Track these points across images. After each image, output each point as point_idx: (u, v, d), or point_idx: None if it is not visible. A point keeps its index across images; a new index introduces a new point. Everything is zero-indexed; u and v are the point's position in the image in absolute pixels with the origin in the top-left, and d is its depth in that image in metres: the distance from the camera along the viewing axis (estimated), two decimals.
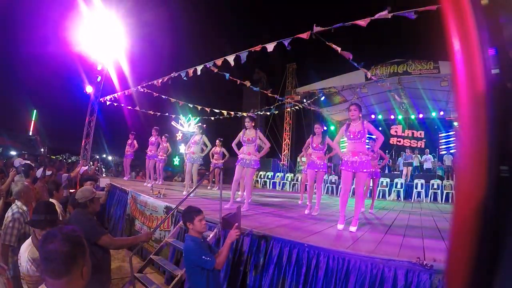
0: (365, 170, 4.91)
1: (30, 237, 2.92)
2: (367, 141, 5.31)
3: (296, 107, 17.19)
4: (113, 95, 13.90)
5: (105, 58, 15.04)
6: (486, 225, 0.77)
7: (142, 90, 11.89)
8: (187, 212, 3.51)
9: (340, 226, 4.95)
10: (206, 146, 9.07)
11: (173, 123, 21.10)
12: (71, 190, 7.54)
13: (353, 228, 4.83)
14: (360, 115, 5.18)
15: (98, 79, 15.42)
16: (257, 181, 16.35)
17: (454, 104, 0.84)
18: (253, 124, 6.79)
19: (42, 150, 35.86)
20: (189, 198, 5.70)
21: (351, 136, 5.06)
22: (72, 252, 1.53)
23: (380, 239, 4.41)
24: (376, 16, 5.40)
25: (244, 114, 15.07)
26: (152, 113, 14.69)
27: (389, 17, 5.33)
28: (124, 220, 7.88)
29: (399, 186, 13.03)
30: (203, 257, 3.18)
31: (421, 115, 18.88)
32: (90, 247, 2.69)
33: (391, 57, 15.44)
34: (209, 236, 4.52)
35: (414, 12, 5.10)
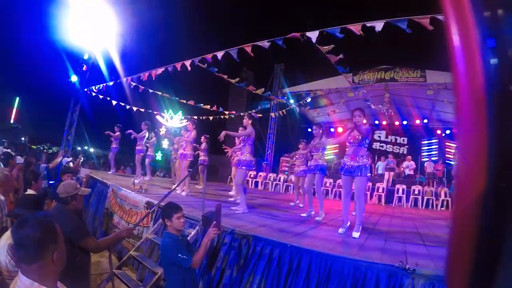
0: (361, 174, 4.86)
1: (10, 229, 2.81)
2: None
3: (283, 109, 17.18)
4: (98, 86, 13.59)
5: (91, 47, 14.70)
6: (486, 226, 0.77)
7: (128, 82, 11.69)
8: (166, 209, 3.44)
9: (341, 230, 4.89)
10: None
11: (158, 117, 20.88)
12: (50, 182, 7.37)
13: (356, 234, 4.76)
14: (365, 121, 5.10)
15: (84, 69, 15.04)
16: None
17: (453, 103, 0.83)
18: (249, 122, 6.61)
19: (23, 139, 35.07)
20: (174, 194, 5.61)
21: (351, 140, 5.02)
22: (43, 238, 1.53)
23: (363, 242, 4.44)
24: (369, 24, 5.42)
25: (226, 112, 15.02)
26: (135, 109, 14.43)
27: (380, 29, 5.34)
28: (103, 214, 7.73)
29: (380, 190, 13.16)
30: (180, 255, 3.13)
31: (405, 122, 19.13)
32: (70, 249, 2.60)
33: (379, 63, 15.59)
34: (190, 233, 4.47)
35: (407, 21, 5.12)
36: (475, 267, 0.78)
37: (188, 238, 4.18)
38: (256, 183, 15.74)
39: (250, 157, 6.55)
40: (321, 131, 6.89)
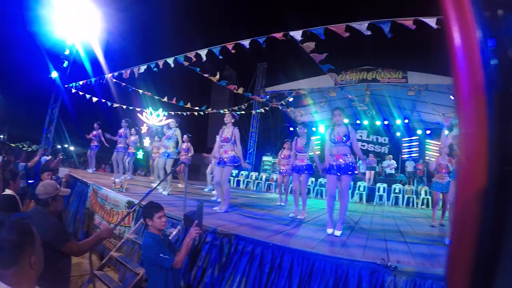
0: (349, 173, 4.91)
1: None
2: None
3: (265, 108, 17.18)
4: (79, 82, 13.28)
5: (73, 43, 14.38)
6: (486, 224, 0.77)
7: (110, 80, 11.45)
8: (147, 208, 3.38)
9: (329, 231, 4.86)
10: (179, 141, 8.85)
11: (139, 115, 20.63)
12: (29, 181, 7.17)
13: (338, 233, 4.77)
14: (345, 120, 5.18)
15: (65, 65, 14.70)
16: None
17: (454, 102, 0.83)
18: (232, 120, 6.54)
19: (1, 136, 34.15)
20: (155, 194, 5.52)
21: (336, 140, 5.05)
22: (20, 241, 1.45)
23: (345, 240, 4.45)
24: (354, 25, 5.44)
25: (209, 110, 14.91)
26: (117, 105, 14.16)
27: (365, 30, 5.37)
28: (84, 214, 7.57)
29: (362, 189, 13.30)
30: (161, 255, 3.08)
31: (386, 122, 19.39)
32: (52, 253, 2.51)
33: (361, 64, 15.80)
34: (172, 233, 4.40)
35: (391, 23, 5.16)
36: (476, 266, 0.79)
37: (170, 237, 4.12)
38: (238, 182, 15.72)
39: (235, 154, 6.46)
40: (305, 130, 6.90)
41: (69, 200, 8.28)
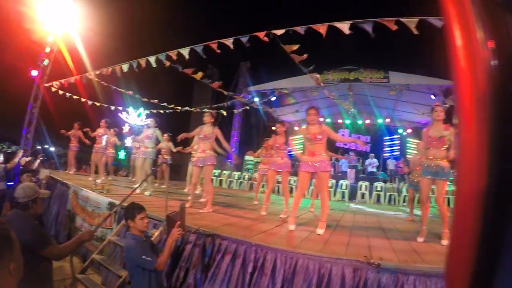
0: (323, 170, 4.96)
1: None
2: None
3: (247, 107, 17.15)
4: (60, 80, 12.95)
5: (54, 40, 14.04)
6: (486, 223, 0.77)
7: (92, 78, 11.23)
8: (129, 209, 3.34)
9: (291, 227, 4.92)
10: (159, 141, 8.76)
11: (120, 114, 20.34)
12: (8, 183, 6.98)
13: (320, 231, 4.79)
14: (320, 118, 5.24)
15: (45, 63, 14.31)
16: None
17: (454, 102, 0.84)
18: (212, 120, 6.55)
19: None
20: (137, 194, 5.44)
21: (311, 138, 5.09)
22: None
23: (327, 238, 4.47)
24: (336, 25, 5.47)
25: (190, 108, 14.81)
26: (99, 104, 13.91)
27: (347, 31, 5.41)
28: (65, 216, 7.40)
29: (344, 187, 13.41)
30: (144, 257, 3.03)
31: (367, 121, 19.60)
32: (32, 258, 2.43)
33: (343, 64, 15.94)
34: (154, 234, 4.34)
35: (373, 23, 5.20)
36: (476, 266, 0.79)
37: (152, 238, 4.07)
38: (221, 182, 15.67)
39: (212, 153, 6.48)
40: (284, 129, 6.92)
41: (49, 203, 8.09)
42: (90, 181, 9.16)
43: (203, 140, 6.45)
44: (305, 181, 5.13)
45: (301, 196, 5.18)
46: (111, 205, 5.81)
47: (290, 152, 7.10)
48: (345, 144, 20.04)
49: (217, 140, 6.62)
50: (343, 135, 20.28)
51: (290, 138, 6.92)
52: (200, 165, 6.39)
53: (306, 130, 5.22)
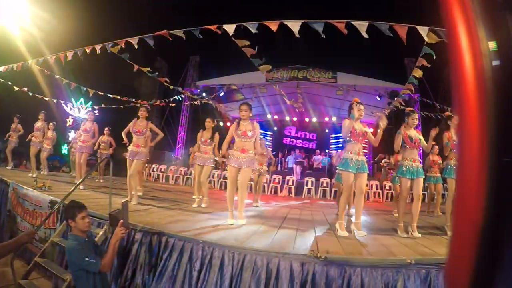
0: (247, 166, 5.10)
1: None
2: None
3: (195, 102, 16.92)
4: None
5: None
6: (488, 224, 0.77)
7: (34, 66, 10.41)
8: (68, 208, 3.15)
9: (230, 221, 4.98)
10: (97, 135, 8.42)
11: (64, 106, 19.20)
12: None
13: (242, 222, 4.99)
14: (251, 115, 5.32)
15: None
16: (150, 174, 15.80)
17: (454, 101, 0.85)
18: (146, 115, 6.59)
19: None
20: (78, 191, 5.14)
21: (241, 135, 5.19)
22: None
23: (275, 233, 4.50)
24: (287, 23, 5.48)
25: (142, 103, 14.30)
26: (41, 97, 12.94)
27: (297, 33, 5.45)
28: (6, 216, 6.82)
29: (290, 183, 13.65)
30: (86, 259, 2.87)
31: (314, 119, 20.06)
32: None
33: (293, 62, 16.25)
34: (98, 234, 4.13)
35: (324, 23, 5.28)
36: (476, 266, 0.79)
37: (96, 239, 3.87)
38: (167, 177, 15.38)
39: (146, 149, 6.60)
40: (212, 125, 7.18)
41: None
42: (30, 177, 8.58)
43: (138, 135, 6.47)
44: (234, 176, 5.19)
45: (233, 190, 5.25)
46: (52, 203, 5.44)
47: None
48: (292, 141, 20.45)
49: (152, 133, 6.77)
50: (289, 132, 20.69)
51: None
52: (131, 158, 6.45)
53: (237, 126, 5.31)
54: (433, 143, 5.36)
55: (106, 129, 10.36)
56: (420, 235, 4.74)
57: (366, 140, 5.08)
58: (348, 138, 4.90)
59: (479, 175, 0.78)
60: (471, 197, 0.79)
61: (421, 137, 5.15)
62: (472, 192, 0.79)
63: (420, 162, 5.21)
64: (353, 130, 4.84)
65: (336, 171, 6.74)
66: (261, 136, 5.86)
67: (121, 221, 3.19)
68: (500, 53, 0.79)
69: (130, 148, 6.48)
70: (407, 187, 5.02)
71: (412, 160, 5.04)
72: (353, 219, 5.00)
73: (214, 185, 14.00)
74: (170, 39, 6.39)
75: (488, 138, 0.77)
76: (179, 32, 6.28)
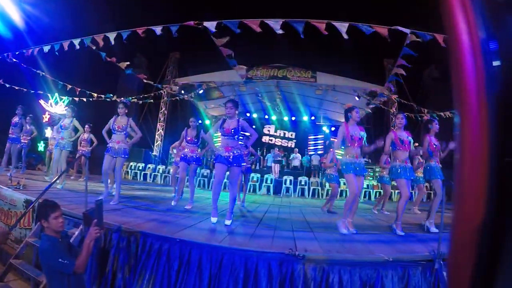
0: (236, 165, 5.06)
1: None
2: (241, 137, 5.46)
3: (174, 98, 16.76)
4: None
5: None
6: (489, 224, 0.78)
7: (8, 59, 10.05)
8: (41, 208, 3.03)
9: (214, 219, 4.96)
10: (77, 131, 8.21)
11: (41, 101, 18.60)
12: None
13: (228, 222, 4.91)
14: (237, 112, 5.29)
15: None
16: (128, 172, 15.53)
17: (455, 103, 0.85)
18: (126, 111, 6.44)
19: None
20: (53, 190, 4.98)
21: (226, 133, 5.14)
22: None
23: (253, 232, 4.50)
24: (268, 22, 5.48)
25: (118, 99, 14.06)
26: (17, 88, 12.47)
27: (278, 29, 5.44)
28: None
29: (269, 181, 13.69)
30: (60, 260, 2.76)
31: (293, 118, 20.20)
32: None
33: (273, 61, 16.23)
34: (74, 233, 4.02)
35: (304, 23, 5.29)
36: (477, 266, 0.80)
37: (72, 239, 3.76)
38: (145, 176, 15.18)
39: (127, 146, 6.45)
40: (197, 123, 7.21)
41: None
42: (4, 174, 8.29)
43: (117, 132, 6.33)
44: (221, 173, 5.14)
45: (218, 188, 5.22)
46: (27, 202, 5.27)
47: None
48: (271, 140, 20.51)
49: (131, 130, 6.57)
50: (268, 130, 20.75)
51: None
52: (114, 156, 6.29)
53: (222, 123, 5.27)
54: (416, 144, 5.52)
55: (86, 126, 10.12)
56: (403, 233, 4.85)
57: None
58: (345, 143, 5.03)
59: (480, 175, 0.79)
60: (472, 197, 0.80)
61: (411, 139, 5.36)
62: (473, 192, 0.80)
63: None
64: (349, 135, 4.93)
65: (325, 172, 6.82)
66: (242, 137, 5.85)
67: (95, 220, 3.10)
68: (500, 53, 0.80)
69: (110, 144, 6.32)
70: (405, 187, 5.14)
71: (404, 161, 5.21)
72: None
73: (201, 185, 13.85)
74: (143, 35, 6.31)
75: (489, 138, 0.78)
76: (158, 29, 6.21)
